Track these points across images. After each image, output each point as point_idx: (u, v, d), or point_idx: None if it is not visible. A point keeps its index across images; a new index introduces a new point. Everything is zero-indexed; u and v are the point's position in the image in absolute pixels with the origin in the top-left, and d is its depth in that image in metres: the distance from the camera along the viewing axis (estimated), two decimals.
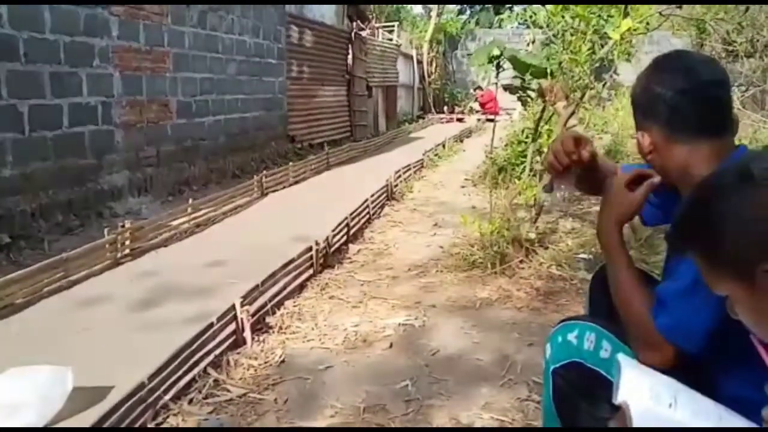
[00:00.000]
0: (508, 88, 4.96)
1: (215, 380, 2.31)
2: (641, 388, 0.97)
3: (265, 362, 2.47)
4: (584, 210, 5.14)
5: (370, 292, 3.30)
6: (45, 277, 3.23)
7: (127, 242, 3.93)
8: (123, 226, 3.94)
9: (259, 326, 2.75)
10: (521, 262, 3.60)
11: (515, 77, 4.54)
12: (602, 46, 4.70)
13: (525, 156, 5.58)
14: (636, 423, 0.92)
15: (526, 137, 6.36)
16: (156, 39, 5.87)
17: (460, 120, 16.73)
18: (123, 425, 1.91)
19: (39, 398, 2.00)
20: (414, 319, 2.92)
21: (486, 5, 23.84)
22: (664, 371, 1.19)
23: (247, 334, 2.60)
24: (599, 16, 4.80)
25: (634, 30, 4.09)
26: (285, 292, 3.11)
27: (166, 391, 2.13)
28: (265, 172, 6.30)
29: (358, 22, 12.29)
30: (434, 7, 19.19)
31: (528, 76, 4.38)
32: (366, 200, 4.93)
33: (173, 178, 6.12)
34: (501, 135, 7.58)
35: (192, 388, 2.25)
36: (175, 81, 6.21)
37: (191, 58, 6.47)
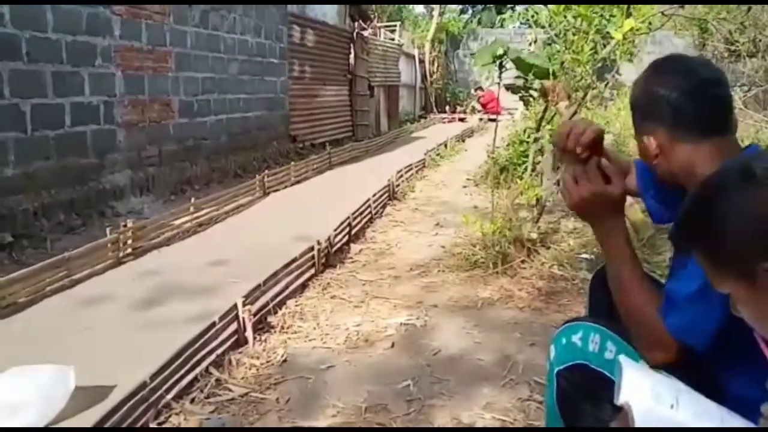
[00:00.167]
0: (510, 88, 4.97)
1: (217, 379, 2.31)
2: (642, 389, 0.96)
3: (267, 362, 2.47)
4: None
5: (371, 291, 3.30)
6: (47, 276, 3.23)
7: (130, 241, 3.93)
8: (125, 226, 3.95)
9: (261, 326, 2.75)
10: (523, 262, 3.60)
11: (517, 77, 4.54)
12: (604, 46, 4.70)
13: (527, 156, 5.58)
14: (638, 423, 0.92)
15: (528, 137, 6.36)
16: (158, 38, 5.87)
17: (461, 120, 16.72)
18: (125, 425, 1.92)
19: (41, 397, 2.00)
20: (416, 318, 2.92)
21: (488, 5, 23.83)
22: (668, 370, 1.19)
23: (249, 333, 2.60)
24: (601, 15, 4.80)
25: (637, 30, 4.09)
26: (287, 292, 3.11)
27: (168, 391, 2.13)
28: (266, 171, 6.30)
29: (360, 21, 12.30)
30: (436, 7, 19.18)
31: (530, 76, 4.38)
32: (368, 200, 4.93)
33: (175, 178, 6.13)
34: (503, 135, 7.57)
35: (194, 387, 2.25)
36: (177, 80, 6.21)
37: (193, 58, 6.47)
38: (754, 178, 0.89)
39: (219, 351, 2.47)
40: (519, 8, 22.13)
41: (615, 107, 10.79)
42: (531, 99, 5.20)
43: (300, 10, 9.30)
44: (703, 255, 0.96)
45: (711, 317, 1.14)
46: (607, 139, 7.65)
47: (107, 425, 1.85)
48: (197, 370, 2.32)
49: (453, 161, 8.82)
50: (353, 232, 4.29)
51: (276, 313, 2.91)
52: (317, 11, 10.00)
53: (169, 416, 2.08)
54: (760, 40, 8.11)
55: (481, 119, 15.61)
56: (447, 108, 18.98)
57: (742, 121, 7.09)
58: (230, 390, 2.26)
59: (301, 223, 4.77)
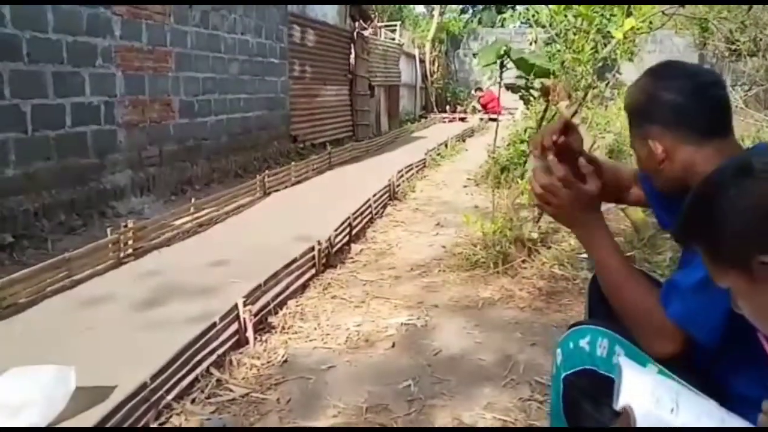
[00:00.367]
0: (510, 88, 4.96)
1: (218, 380, 2.31)
2: (643, 392, 0.96)
3: (268, 362, 2.47)
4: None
5: (372, 291, 3.30)
6: (48, 276, 3.23)
7: (130, 242, 3.93)
8: (126, 226, 3.95)
9: (262, 326, 2.75)
10: (524, 261, 3.60)
11: (518, 77, 4.54)
12: (605, 45, 4.70)
13: (528, 155, 5.58)
14: (639, 424, 0.92)
15: (529, 137, 6.36)
16: (158, 39, 5.87)
17: (462, 119, 16.72)
18: (126, 425, 1.91)
19: (42, 398, 2.00)
20: (416, 318, 2.92)
21: (488, 4, 23.82)
22: (671, 369, 1.18)
23: (250, 333, 2.60)
24: (602, 15, 4.80)
25: (637, 29, 4.09)
26: (287, 292, 3.11)
27: (168, 391, 2.13)
28: (267, 171, 6.30)
29: (361, 21, 12.29)
30: (436, 7, 19.18)
31: (531, 76, 4.38)
32: (368, 200, 4.93)
33: (176, 178, 6.13)
34: (503, 134, 7.57)
35: (195, 387, 2.25)
36: (177, 80, 6.22)
37: (194, 58, 6.47)
38: (751, 173, 0.90)
39: (220, 351, 2.46)
40: (519, 8, 22.16)
41: (616, 107, 10.78)
42: (531, 98, 5.20)
43: (300, 10, 9.30)
44: (704, 250, 0.97)
45: (715, 307, 1.13)
46: (608, 139, 7.65)
47: (108, 426, 1.85)
48: (198, 371, 2.31)
49: (453, 161, 8.82)
50: (354, 232, 4.29)
51: (277, 313, 2.91)
52: (317, 11, 10.00)
53: (170, 417, 2.07)
54: (760, 40, 8.11)
55: (481, 119, 15.61)
56: (447, 108, 18.98)
57: (742, 120, 7.08)
58: (231, 390, 2.26)
59: (301, 223, 4.78)
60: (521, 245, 3.68)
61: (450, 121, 16.66)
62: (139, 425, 1.97)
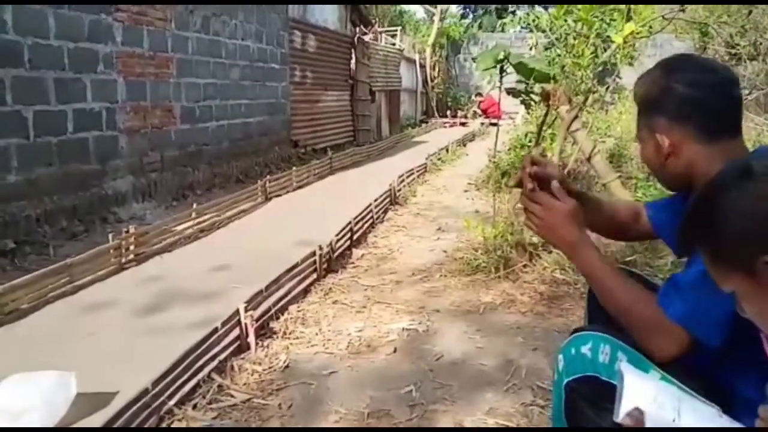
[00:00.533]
0: (511, 92, 4.96)
1: (219, 385, 2.31)
2: (645, 397, 0.97)
3: (269, 367, 2.47)
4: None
5: (373, 296, 3.30)
6: (50, 282, 3.24)
7: (132, 247, 3.94)
8: (127, 232, 3.95)
9: (263, 331, 2.75)
10: (525, 266, 3.60)
11: (518, 81, 4.54)
12: (605, 50, 4.71)
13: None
14: (647, 424, 0.93)
15: (529, 141, 6.37)
16: (160, 45, 5.89)
17: (463, 124, 16.76)
18: None
19: (43, 403, 2.00)
20: (418, 323, 2.91)
21: (489, 9, 23.88)
22: (675, 373, 1.17)
23: (251, 339, 2.60)
24: (602, 19, 4.81)
25: (637, 33, 4.10)
26: (289, 297, 3.11)
27: (170, 397, 2.13)
28: (268, 176, 6.31)
29: (361, 26, 12.32)
30: (437, 12, 19.24)
31: (531, 80, 4.38)
32: (369, 205, 4.93)
33: (177, 183, 6.14)
34: (504, 139, 7.58)
35: (196, 393, 2.25)
36: (178, 86, 6.23)
37: (195, 64, 6.49)
38: (752, 176, 0.91)
39: (221, 357, 2.46)
40: (519, 12, 22.23)
41: (616, 111, 10.81)
42: (532, 103, 5.21)
43: (301, 16, 9.33)
44: (706, 252, 0.97)
45: (717, 305, 1.11)
46: (609, 143, 7.66)
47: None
48: (199, 376, 2.31)
49: (454, 166, 8.83)
50: (355, 237, 4.29)
51: (278, 318, 2.91)
52: (318, 16, 10.03)
53: (172, 422, 2.07)
54: (760, 44, 8.12)
55: (482, 123, 15.65)
56: (448, 112, 19.02)
57: (743, 124, 7.08)
58: (232, 396, 2.25)
59: (302, 228, 4.78)
60: (522, 250, 3.67)
61: (451, 125, 16.70)
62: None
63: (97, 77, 5.05)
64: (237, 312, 2.59)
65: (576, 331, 1.37)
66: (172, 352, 2.23)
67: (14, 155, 4.28)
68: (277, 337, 2.73)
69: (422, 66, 17.93)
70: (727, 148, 1.25)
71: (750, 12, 7.19)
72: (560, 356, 1.35)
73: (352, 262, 3.92)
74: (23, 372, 2.15)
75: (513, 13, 23.25)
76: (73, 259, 3.44)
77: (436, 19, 19.22)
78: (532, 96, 4.82)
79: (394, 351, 2.64)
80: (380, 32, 14.93)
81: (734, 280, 0.92)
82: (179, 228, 4.51)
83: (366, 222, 4.71)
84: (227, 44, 7.15)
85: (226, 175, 7.00)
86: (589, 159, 3.95)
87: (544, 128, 5.21)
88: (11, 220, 4.18)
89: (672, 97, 1.26)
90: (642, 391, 0.98)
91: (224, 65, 7.10)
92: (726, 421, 0.97)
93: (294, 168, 7.08)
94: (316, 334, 2.79)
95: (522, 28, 21.53)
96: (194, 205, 4.88)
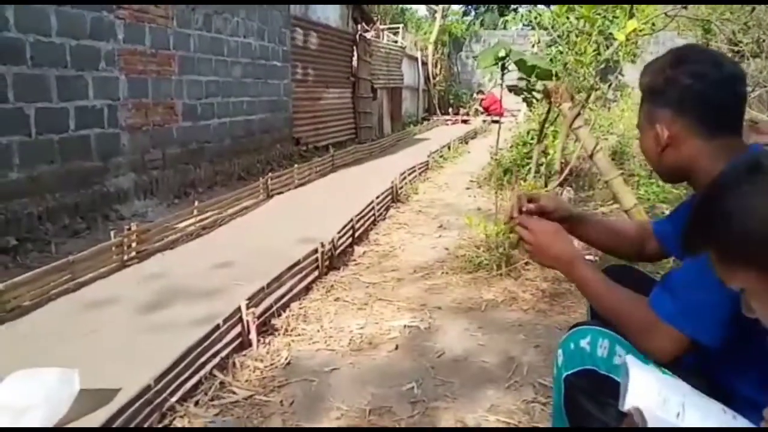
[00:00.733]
0: (513, 90, 4.96)
1: (221, 382, 2.31)
2: (650, 391, 0.96)
3: (271, 364, 2.47)
4: (589, 211, 5.13)
5: (375, 293, 3.30)
6: (52, 279, 3.24)
7: (134, 245, 3.94)
8: (129, 229, 3.95)
9: (265, 328, 2.75)
10: (527, 263, 3.59)
11: (520, 78, 4.54)
12: (607, 47, 4.70)
13: (530, 157, 5.58)
14: (648, 424, 0.92)
15: (532, 138, 6.36)
16: (161, 42, 5.89)
17: (465, 121, 16.75)
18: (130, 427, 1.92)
19: (46, 400, 2.01)
20: (419, 321, 2.92)
21: (491, 6, 23.84)
22: (674, 373, 1.17)
23: (253, 336, 2.61)
24: (604, 17, 4.80)
25: (640, 31, 4.09)
26: (291, 294, 3.11)
27: (172, 394, 2.13)
28: (270, 174, 6.31)
29: (363, 24, 12.31)
30: (439, 9, 19.21)
31: (533, 78, 4.38)
32: (371, 202, 4.93)
33: (179, 181, 6.15)
34: (506, 136, 7.58)
35: (198, 390, 2.25)
36: (180, 84, 6.23)
37: (196, 61, 6.49)
38: (761, 171, 0.89)
39: (223, 354, 2.47)
40: (522, 10, 22.20)
41: (618, 108, 10.79)
42: (534, 100, 5.20)
43: (303, 13, 9.32)
44: (714, 249, 0.95)
45: (709, 303, 1.11)
46: (611, 140, 7.64)
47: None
48: (201, 373, 2.32)
49: (456, 163, 8.82)
50: (357, 234, 4.29)
51: (280, 315, 2.91)
52: (320, 14, 10.02)
53: (174, 419, 2.08)
54: (763, 41, 8.09)
55: (484, 121, 15.64)
56: (450, 110, 19.00)
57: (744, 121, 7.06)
58: (234, 393, 2.26)
59: (304, 226, 4.78)
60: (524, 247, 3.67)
61: (452, 123, 16.69)
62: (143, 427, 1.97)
63: (98, 74, 5.05)
64: (239, 309, 2.59)
65: (575, 325, 1.39)
66: (174, 349, 2.23)
67: (16, 152, 4.29)
68: (279, 334, 2.74)
69: (424, 63, 17.91)
70: (726, 145, 1.24)
71: (753, 9, 7.16)
72: (559, 351, 1.36)
73: (354, 260, 3.93)
74: (26, 369, 2.16)
75: (515, 10, 23.20)
76: (75, 256, 3.45)
77: (438, 16, 19.20)
78: (534, 93, 4.82)
79: (396, 348, 2.64)
80: (382, 30, 14.92)
81: (744, 277, 0.90)
82: (181, 225, 4.51)
83: (368, 219, 4.71)
84: (229, 42, 7.14)
85: (227, 172, 7.00)
86: (591, 156, 3.94)
87: (547, 125, 5.21)
88: (13, 218, 4.19)
89: (675, 88, 1.25)
90: (647, 384, 0.98)
91: (226, 63, 7.10)
92: (730, 417, 0.97)
93: (296, 165, 7.08)
94: (318, 331, 2.80)
95: (524, 25, 21.49)
96: (196, 203, 4.88)
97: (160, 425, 2.04)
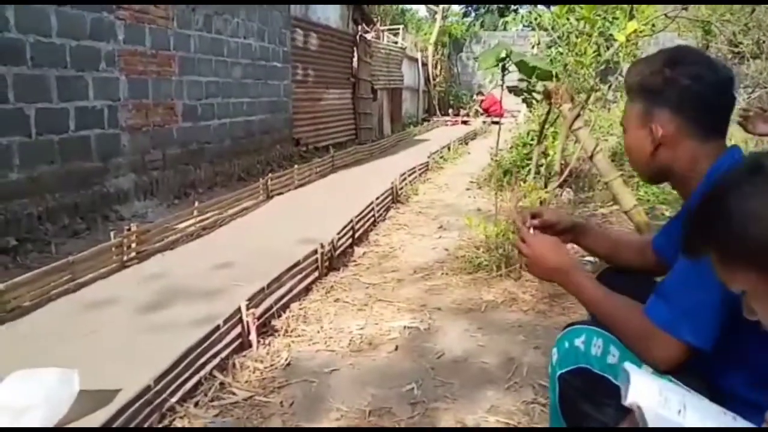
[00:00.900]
0: (513, 90, 4.96)
1: (221, 383, 2.31)
2: (651, 393, 0.96)
3: (271, 365, 2.47)
4: (589, 213, 5.13)
5: (375, 294, 3.30)
6: (52, 280, 3.24)
7: (134, 245, 3.94)
8: (129, 229, 3.96)
9: (265, 329, 2.75)
10: (527, 264, 3.59)
11: (521, 79, 4.54)
12: (608, 48, 4.70)
13: (530, 158, 5.58)
14: (648, 425, 0.92)
15: (532, 139, 6.37)
16: (162, 42, 5.89)
17: (465, 122, 16.75)
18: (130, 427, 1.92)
19: (45, 401, 2.01)
20: (419, 321, 2.92)
21: (491, 7, 23.85)
22: (675, 375, 1.17)
23: (253, 336, 2.61)
24: (604, 18, 4.80)
25: (640, 32, 4.09)
26: (290, 295, 3.11)
27: (172, 394, 2.13)
28: (270, 174, 6.31)
29: (363, 25, 12.32)
30: (439, 10, 19.22)
31: (533, 79, 4.38)
32: (371, 203, 4.93)
33: (179, 181, 6.15)
34: (506, 137, 7.58)
35: (198, 390, 2.25)
36: (180, 84, 6.24)
37: (197, 62, 6.50)
38: (762, 172, 0.89)
39: (223, 354, 2.47)
40: (522, 11, 22.20)
41: (618, 109, 10.79)
42: (534, 101, 5.20)
43: (303, 14, 9.32)
44: (715, 251, 0.94)
45: (702, 306, 1.12)
46: (611, 141, 7.64)
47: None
48: (201, 374, 2.32)
49: (456, 164, 8.82)
50: (357, 235, 4.29)
51: (280, 316, 2.91)
52: (320, 15, 10.03)
53: (173, 420, 2.08)
54: (763, 42, 8.10)
55: (484, 122, 15.65)
56: (450, 111, 19.01)
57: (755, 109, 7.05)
58: (234, 393, 2.26)
59: (304, 226, 4.78)
60: None
61: (453, 124, 16.70)
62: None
63: (99, 75, 5.05)
64: (239, 310, 2.59)
65: (570, 324, 1.40)
66: (174, 350, 2.24)
67: (16, 153, 4.29)
68: (279, 335, 2.74)
69: (424, 64, 17.92)
70: (715, 147, 1.26)
71: (753, 10, 7.16)
72: (554, 349, 1.38)
73: (354, 260, 3.93)
74: (26, 369, 2.16)
75: (515, 11, 23.20)
76: (75, 256, 3.45)
77: (438, 17, 19.21)
78: (534, 94, 4.82)
79: (396, 349, 2.64)
80: (382, 30, 14.92)
81: (744, 279, 0.89)
82: (181, 226, 4.51)
83: (368, 220, 4.71)
84: (229, 42, 7.15)
85: (227, 173, 7.01)
86: (591, 157, 3.94)
87: (547, 126, 5.21)
88: (13, 218, 4.19)
89: (675, 88, 1.26)
90: (647, 385, 0.98)
91: (226, 63, 7.10)
92: (730, 418, 0.97)
93: (296, 166, 7.08)
94: (318, 331, 2.80)
95: (524, 26, 21.50)
96: (196, 203, 4.88)
97: (160, 426, 2.04)
